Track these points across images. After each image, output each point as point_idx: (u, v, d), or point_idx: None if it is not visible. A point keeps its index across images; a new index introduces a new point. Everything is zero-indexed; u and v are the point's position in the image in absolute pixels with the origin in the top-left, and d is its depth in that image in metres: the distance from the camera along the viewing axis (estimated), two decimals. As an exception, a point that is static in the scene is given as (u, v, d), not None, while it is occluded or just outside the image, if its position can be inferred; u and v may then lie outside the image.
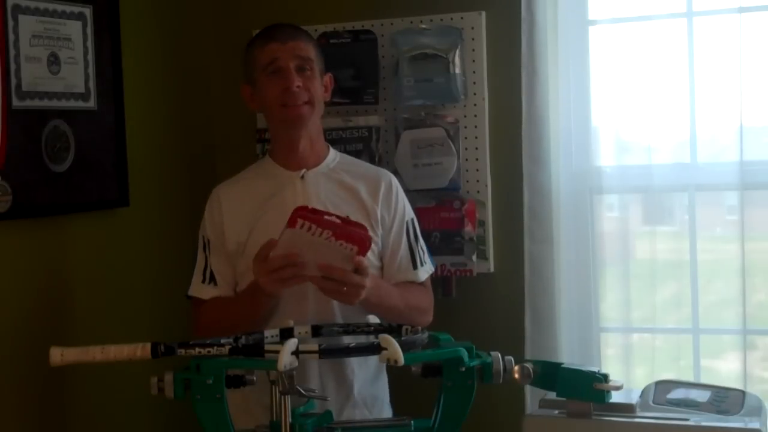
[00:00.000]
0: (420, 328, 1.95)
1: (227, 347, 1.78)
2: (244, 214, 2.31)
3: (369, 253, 2.22)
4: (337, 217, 2.03)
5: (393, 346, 1.69)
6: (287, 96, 2.26)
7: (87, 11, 2.60)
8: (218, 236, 2.32)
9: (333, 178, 2.34)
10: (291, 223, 1.98)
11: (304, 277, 2.04)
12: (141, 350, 1.80)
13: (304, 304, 2.20)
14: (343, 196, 2.32)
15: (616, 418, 1.87)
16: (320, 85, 2.32)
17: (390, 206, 2.35)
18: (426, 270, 2.39)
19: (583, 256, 2.70)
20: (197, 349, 1.78)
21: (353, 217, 2.16)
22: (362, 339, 2.07)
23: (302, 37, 2.33)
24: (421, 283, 2.38)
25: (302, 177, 2.32)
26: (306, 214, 1.98)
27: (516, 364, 1.89)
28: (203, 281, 2.32)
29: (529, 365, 1.90)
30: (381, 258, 2.34)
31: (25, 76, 2.40)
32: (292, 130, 2.31)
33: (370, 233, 2.27)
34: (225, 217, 2.32)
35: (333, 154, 2.40)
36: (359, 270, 2.05)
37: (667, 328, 2.70)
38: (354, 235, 2.02)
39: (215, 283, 2.30)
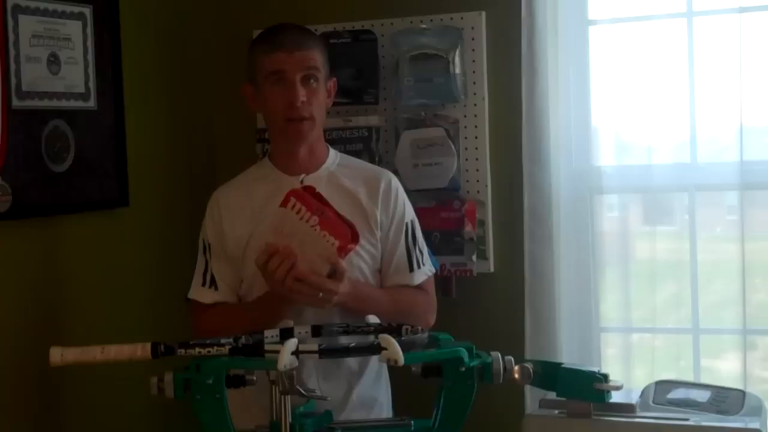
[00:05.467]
0: (420, 328, 1.95)
1: (227, 347, 1.77)
2: (243, 218, 2.30)
3: (359, 260, 2.24)
4: (331, 209, 2.04)
5: (393, 346, 1.69)
6: (291, 111, 2.24)
7: (87, 11, 2.60)
8: (219, 240, 2.31)
9: (332, 182, 2.32)
10: (283, 202, 2.03)
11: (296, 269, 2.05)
12: (141, 350, 1.80)
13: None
14: (342, 201, 2.31)
15: (616, 418, 1.87)
16: (324, 93, 2.29)
17: (388, 207, 2.33)
18: (423, 272, 2.36)
19: (583, 256, 2.70)
20: (197, 349, 1.78)
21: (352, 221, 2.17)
22: (362, 339, 2.07)
23: (310, 43, 2.28)
24: (418, 286, 2.37)
25: (301, 182, 2.31)
26: (299, 194, 2.02)
27: (516, 364, 1.89)
28: (203, 284, 2.31)
29: (529, 365, 1.89)
30: (381, 260, 2.33)
31: (25, 76, 2.40)
32: (293, 143, 2.30)
33: (368, 236, 2.27)
34: (225, 220, 2.31)
35: (333, 156, 2.38)
36: (336, 273, 2.06)
37: (667, 328, 2.70)
38: (339, 228, 2.02)
39: (216, 287, 2.29)
